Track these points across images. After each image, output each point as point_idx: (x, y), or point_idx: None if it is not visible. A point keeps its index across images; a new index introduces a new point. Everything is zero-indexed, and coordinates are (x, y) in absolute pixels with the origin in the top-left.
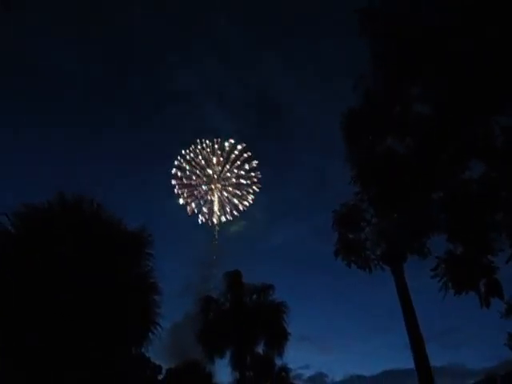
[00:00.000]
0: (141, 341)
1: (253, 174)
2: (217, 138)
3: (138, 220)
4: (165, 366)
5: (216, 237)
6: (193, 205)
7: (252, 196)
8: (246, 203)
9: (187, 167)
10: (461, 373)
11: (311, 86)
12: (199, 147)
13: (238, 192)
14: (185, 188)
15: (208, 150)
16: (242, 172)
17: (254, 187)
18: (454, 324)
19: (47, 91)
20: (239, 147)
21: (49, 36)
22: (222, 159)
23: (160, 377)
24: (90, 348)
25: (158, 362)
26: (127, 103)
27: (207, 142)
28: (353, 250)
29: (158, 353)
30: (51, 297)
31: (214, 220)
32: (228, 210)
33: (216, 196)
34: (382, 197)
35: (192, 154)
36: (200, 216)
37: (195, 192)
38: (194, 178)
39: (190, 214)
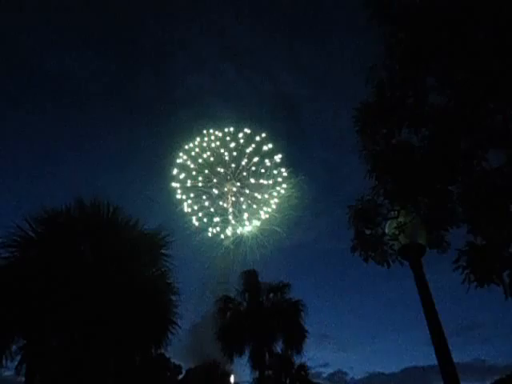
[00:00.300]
0: (160, 341)
1: (275, 171)
2: (229, 127)
3: (157, 221)
4: (185, 366)
5: (232, 239)
6: (200, 214)
7: (276, 200)
8: (268, 209)
9: (192, 166)
10: (484, 369)
11: (322, 81)
12: (206, 139)
13: (257, 195)
14: (189, 192)
15: (218, 143)
16: (263, 170)
17: (278, 188)
18: (477, 320)
19: (55, 94)
20: (258, 138)
21: (58, 39)
22: (235, 154)
23: (180, 376)
24: (109, 349)
25: (178, 363)
26: (136, 106)
27: (216, 132)
28: (370, 245)
29: (179, 353)
30: (71, 300)
31: (228, 232)
32: (245, 219)
33: (230, 201)
34: (398, 190)
35: (198, 149)
36: (210, 228)
37: (204, 196)
38: (200, 178)
39: (197, 224)
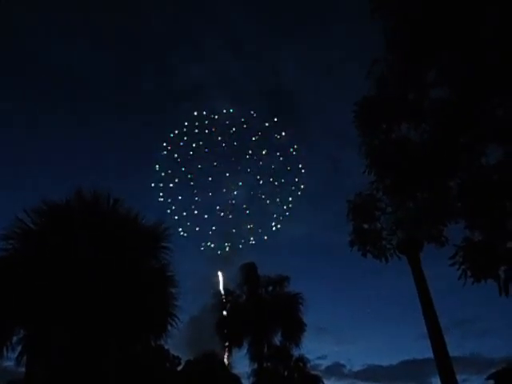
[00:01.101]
0: (160, 333)
1: (289, 168)
2: (227, 109)
3: (156, 214)
4: (184, 358)
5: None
6: (188, 223)
7: (290, 205)
8: (280, 218)
9: (179, 160)
10: (480, 363)
11: (324, 74)
12: (197, 124)
13: (266, 199)
14: (176, 194)
15: (214, 129)
16: (273, 166)
17: (292, 188)
18: (474, 314)
19: (56, 88)
20: (267, 124)
21: (56, 35)
22: (236, 144)
23: (179, 368)
24: (110, 341)
25: (176, 354)
26: (138, 101)
27: (212, 116)
28: (368, 239)
29: (178, 345)
30: (71, 292)
31: (227, 247)
32: (249, 228)
33: (228, 207)
34: (397, 185)
35: (186, 138)
36: (203, 243)
37: (196, 198)
38: (190, 176)
39: (185, 236)
